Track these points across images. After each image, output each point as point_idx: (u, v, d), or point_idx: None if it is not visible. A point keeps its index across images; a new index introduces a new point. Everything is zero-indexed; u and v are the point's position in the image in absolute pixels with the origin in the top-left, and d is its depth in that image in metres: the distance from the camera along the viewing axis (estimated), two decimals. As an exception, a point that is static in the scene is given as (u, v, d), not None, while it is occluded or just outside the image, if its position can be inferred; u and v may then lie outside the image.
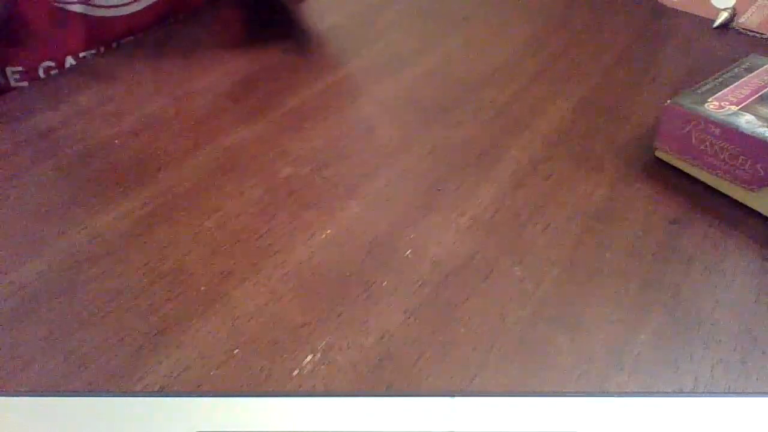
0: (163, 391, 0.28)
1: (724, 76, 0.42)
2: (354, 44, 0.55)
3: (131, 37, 0.57)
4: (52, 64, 0.55)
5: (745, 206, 0.38)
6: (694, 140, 0.39)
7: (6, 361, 0.29)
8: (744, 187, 0.38)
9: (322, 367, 0.29)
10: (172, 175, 0.40)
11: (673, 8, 0.61)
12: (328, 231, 0.37)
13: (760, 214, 0.38)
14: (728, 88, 0.41)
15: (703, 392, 0.29)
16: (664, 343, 0.31)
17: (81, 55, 0.55)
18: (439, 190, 0.40)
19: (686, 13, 0.60)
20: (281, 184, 0.40)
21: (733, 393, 0.29)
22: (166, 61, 0.52)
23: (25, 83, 0.55)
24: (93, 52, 0.56)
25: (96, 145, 0.43)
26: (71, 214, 0.37)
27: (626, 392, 0.29)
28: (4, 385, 0.28)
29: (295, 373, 0.29)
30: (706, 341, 0.31)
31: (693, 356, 0.30)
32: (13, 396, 0.28)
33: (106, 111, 0.46)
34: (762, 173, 0.37)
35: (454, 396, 0.28)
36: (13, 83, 0.55)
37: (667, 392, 0.29)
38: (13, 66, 0.54)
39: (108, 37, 0.56)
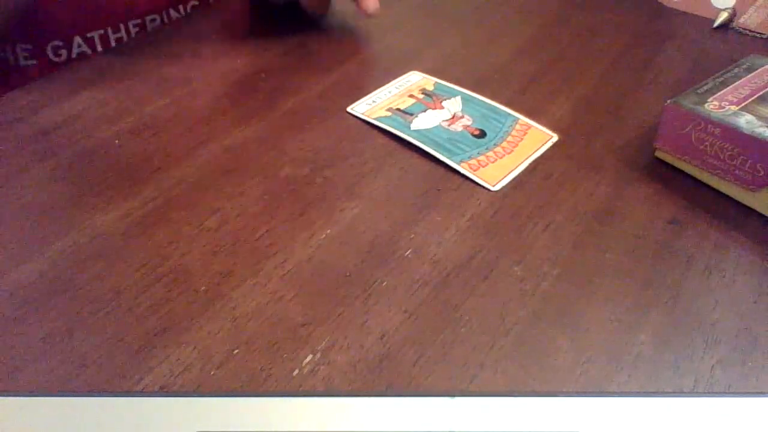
0: (163, 391, 0.28)
1: (724, 76, 0.42)
2: (353, 44, 0.55)
3: (139, 21, 0.57)
4: (60, 43, 0.55)
5: (745, 206, 0.38)
6: (694, 140, 0.39)
7: (6, 361, 0.29)
8: (744, 187, 0.38)
9: (322, 367, 0.29)
10: (172, 175, 0.40)
11: (673, 8, 0.61)
12: (328, 231, 0.37)
13: (760, 214, 0.38)
14: (728, 88, 0.41)
15: (703, 392, 0.29)
16: (664, 343, 0.31)
17: (89, 35, 0.55)
18: (439, 190, 0.40)
19: (686, 13, 0.60)
20: (281, 184, 0.40)
21: (733, 393, 0.29)
22: (166, 61, 0.52)
23: (33, 62, 0.55)
24: (101, 32, 0.56)
25: (96, 145, 0.43)
26: (71, 214, 0.37)
27: (626, 392, 0.29)
28: (4, 385, 0.28)
29: (295, 373, 0.29)
30: (706, 341, 0.31)
31: (693, 356, 0.30)
32: (13, 396, 0.28)
33: (106, 111, 0.46)
34: (762, 173, 0.37)
35: (454, 396, 0.28)
36: (22, 62, 0.55)
37: (667, 392, 0.29)
38: (23, 44, 0.54)
39: (117, 18, 0.56)
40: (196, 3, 0.62)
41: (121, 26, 0.57)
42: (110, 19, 0.56)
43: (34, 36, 0.54)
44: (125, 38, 0.57)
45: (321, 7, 0.55)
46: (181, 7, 0.61)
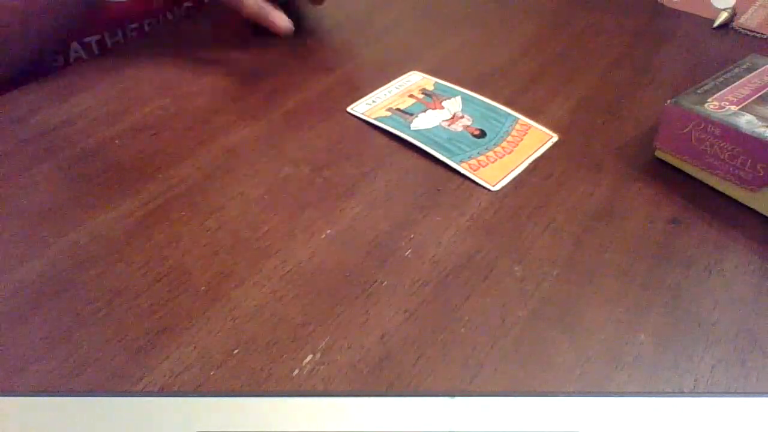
0: (163, 391, 0.28)
1: (724, 76, 0.42)
2: (354, 44, 0.55)
3: (135, 25, 0.57)
4: (57, 49, 0.55)
5: (745, 206, 0.38)
6: (694, 140, 0.39)
7: (6, 361, 0.29)
8: (744, 187, 0.38)
9: (322, 367, 0.29)
10: (172, 175, 0.40)
11: (673, 8, 0.61)
12: (328, 231, 0.37)
13: (760, 214, 0.38)
14: (728, 88, 0.41)
15: (703, 392, 0.29)
16: (664, 343, 0.31)
17: (86, 40, 0.55)
18: (439, 190, 0.40)
19: (686, 13, 0.60)
20: (281, 184, 0.40)
21: (733, 393, 0.29)
22: (166, 60, 0.52)
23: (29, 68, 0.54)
24: (97, 38, 0.56)
25: (96, 145, 0.43)
26: (71, 214, 0.37)
27: (626, 392, 0.29)
28: (4, 385, 0.28)
29: (295, 373, 0.29)
30: (706, 341, 0.31)
31: (693, 356, 0.30)
32: (13, 396, 0.28)
33: (106, 111, 0.46)
34: (762, 173, 0.37)
35: (454, 396, 0.28)
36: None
37: (667, 392, 0.29)
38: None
39: (113, 24, 0.56)
40: (190, 5, 0.62)
41: (119, 31, 0.57)
42: (107, 25, 0.56)
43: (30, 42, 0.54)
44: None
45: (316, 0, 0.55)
46: (176, 10, 0.61)
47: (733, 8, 0.58)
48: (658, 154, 0.42)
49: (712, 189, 0.40)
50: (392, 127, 0.44)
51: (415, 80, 0.49)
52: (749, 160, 0.37)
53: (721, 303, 0.33)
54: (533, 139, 0.44)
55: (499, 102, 0.47)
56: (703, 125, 0.38)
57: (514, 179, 0.40)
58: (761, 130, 0.36)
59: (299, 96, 0.48)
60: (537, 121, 0.45)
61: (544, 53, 0.54)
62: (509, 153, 0.42)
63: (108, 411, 0.27)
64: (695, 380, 0.29)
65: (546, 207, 0.38)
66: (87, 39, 0.55)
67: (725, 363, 0.30)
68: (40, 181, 0.40)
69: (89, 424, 0.26)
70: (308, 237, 0.36)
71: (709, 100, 0.39)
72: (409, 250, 0.35)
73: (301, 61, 0.52)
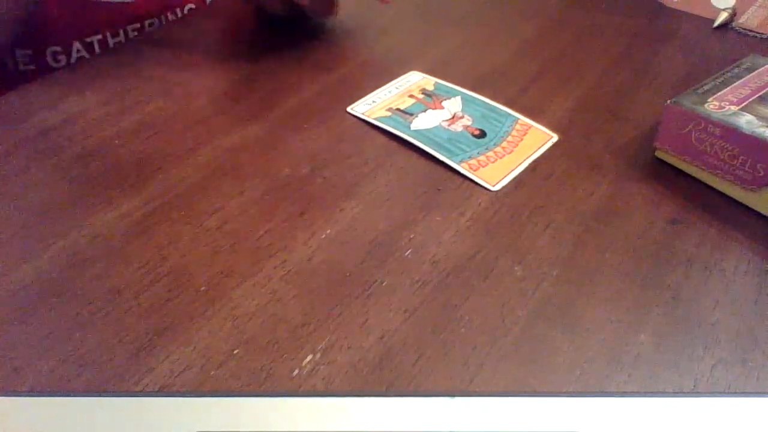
0: (163, 391, 0.28)
1: (724, 76, 0.42)
2: (354, 44, 0.55)
3: (137, 25, 0.57)
4: (59, 49, 0.55)
5: (745, 206, 0.38)
6: (694, 140, 0.39)
7: (6, 361, 0.29)
8: (744, 187, 0.38)
9: (322, 367, 0.29)
10: (172, 175, 0.40)
11: (673, 8, 0.61)
12: (328, 231, 0.37)
13: (760, 214, 0.38)
14: (728, 88, 0.41)
15: (703, 392, 0.29)
16: (664, 343, 0.31)
17: (87, 40, 0.56)
18: (439, 190, 0.40)
19: (686, 13, 0.60)
20: (281, 184, 0.40)
21: (733, 393, 0.29)
22: (166, 60, 0.52)
23: (32, 67, 0.55)
24: (99, 37, 0.56)
25: (96, 145, 0.43)
26: (71, 214, 0.37)
27: (626, 392, 0.29)
28: (4, 385, 0.28)
29: (295, 373, 0.29)
30: (706, 341, 0.31)
31: (693, 356, 0.30)
32: (13, 396, 0.28)
33: (106, 111, 0.46)
34: (762, 173, 0.37)
35: (454, 396, 0.28)
36: (21, 67, 0.55)
37: (667, 392, 0.29)
38: (22, 49, 0.54)
39: (115, 23, 0.57)
40: (193, 6, 0.62)
41: (120, 31, 0.57)
42: (109, 24, 0.56)
43: (33, 41, 0.54)
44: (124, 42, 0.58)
45: (325, 13, 0.55)
46: (178, 11, 0.61)
47: (733, 8, 0.58)
48: (658, 154, 0.42)
49: (712, 189, 0.40)
50: (392, 127, 0.44)
51: (415, 80, 0.49)
52: (749, 160, 0.37)
53: (721, 303, 0.33)
54: (533, 139, 0.44)
55: (499, 102, 0.47)
56: (703, 125, 0.38)
57: (514, 179, 0.40)
58: (761, 130, 0.36)
59: (299, 96, 0.48)
60: (537, 121, 0.45)
61: (544, 53, 0.54)
62: (509, 153, 0.42)
63: (108, 411, 0.27)
64: (695, 380, 0.29)
65: (546, 207, 0.38)
66: (89, 39, 0.56)
67: (725, 363, 0.30)
68: (39, 181, 0.40)
69: (89, 424, 0.26)
70: (308, 237, 0.36)
71: (709, 100, 0.39)
72: (409, 250, 0.35)
73: (300, 61, 0.52)
